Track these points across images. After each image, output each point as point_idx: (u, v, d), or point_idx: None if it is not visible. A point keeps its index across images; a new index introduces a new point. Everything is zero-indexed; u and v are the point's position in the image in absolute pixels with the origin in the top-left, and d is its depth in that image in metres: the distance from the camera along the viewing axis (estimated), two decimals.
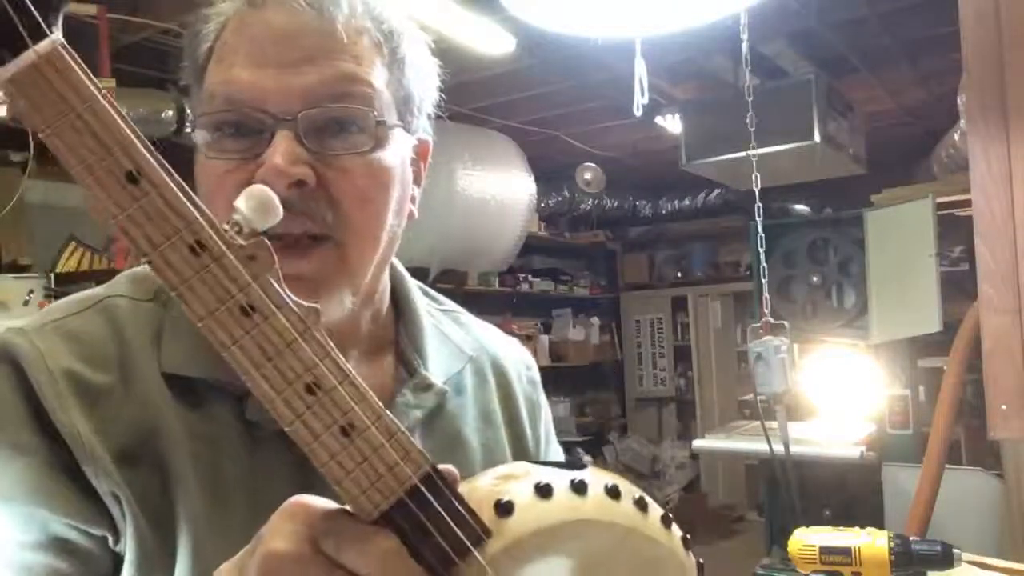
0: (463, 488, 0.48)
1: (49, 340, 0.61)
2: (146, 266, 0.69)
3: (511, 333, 0.94)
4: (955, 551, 1.23)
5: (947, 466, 2.45)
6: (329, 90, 0.61)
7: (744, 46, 2.29)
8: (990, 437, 1.53)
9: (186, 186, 0.44)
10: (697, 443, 3.42)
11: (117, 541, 0.59)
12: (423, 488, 0.45)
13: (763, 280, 2.33)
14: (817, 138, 3.34)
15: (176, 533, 0.60)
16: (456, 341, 0.81)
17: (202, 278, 0.43)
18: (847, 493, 3.31)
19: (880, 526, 1.36)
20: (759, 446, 3.11)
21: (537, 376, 0.90)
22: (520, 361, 0.89)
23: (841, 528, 1.31)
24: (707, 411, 6.88)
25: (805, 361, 3.64)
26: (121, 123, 0.42)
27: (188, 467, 0.61)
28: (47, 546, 0.57)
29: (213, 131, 0.63)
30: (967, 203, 1.68)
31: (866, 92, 4.17)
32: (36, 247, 3.72)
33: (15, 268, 3.49)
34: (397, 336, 0.77)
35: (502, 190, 4.72)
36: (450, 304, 0.88)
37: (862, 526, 1.31)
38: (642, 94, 1.80)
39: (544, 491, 0.48)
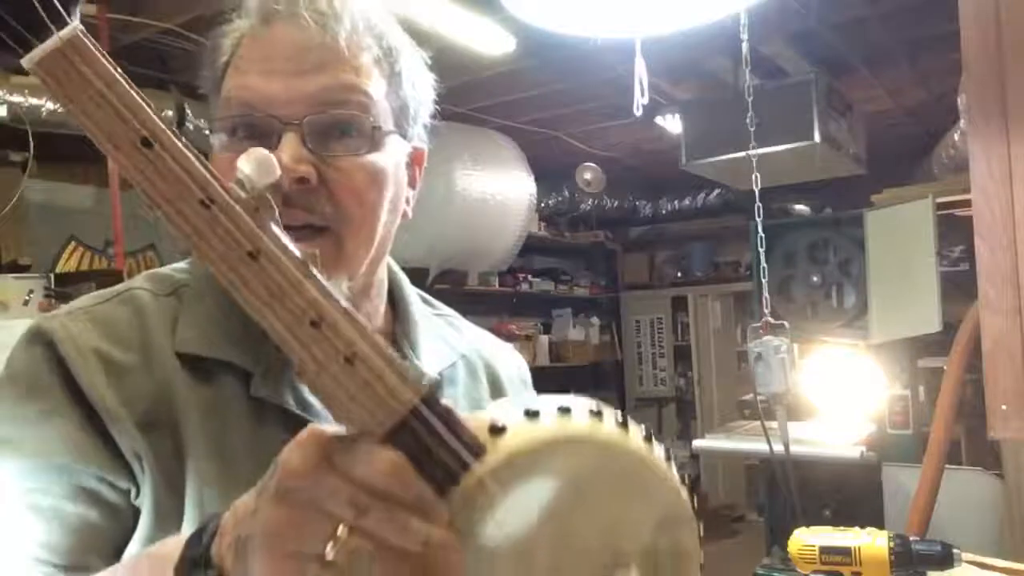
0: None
1: (79, 323, 0.69)
2: (164, 269, 0.78)
3: (511, 333, 0.98)
4: (955, 551, 1.23)
5: (947, 466, 2.45)
6: (331, 97, 0.69)
7: (744, 46, 2.29)
8: (990, 437, 1.53)
9: (195, 151, 0.48)
10: (697, 443, 3.42)
11: (137, 495, 0.67)
12: (423, 409, 0.48)
13: (763, 280, 2.32)
14: (817, 138, 3.35)
15: (185, 491, 0.67)
16: (450, 341, 0.87)
17: (213, 228, 0.47)
18: (847, 493, 3.30)
19: (880, 526, 1.36)
20: (759, 446, 3.11)
21: (528, 377, 0.96)
22: (512, 364, 0.94)
23: (841, 528, 1.31)
24: (707, 411, 6.88)
25: (805, 361, 3.64)
26: (136, 96, 0.47)
27: (199, 434, 0.68)
28: (79, 497, 0.64)
29: (229, 133, 0.71)
30: (967, 203, 1.68)
31: (866, 92, 4.17)
32: (36, 247, 3.72)
33: (15, 268, 3.49)
34: (393, 333, 0.82)
35: (502, 190, 4.72)
36: (446, 309, 0.93)
37: (862, 526, 1.31)
38: (642, 94, 1.80)
39: (533, 415, 0.52)
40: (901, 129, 4.93)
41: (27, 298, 3.22)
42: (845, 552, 1.26)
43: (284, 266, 0.48)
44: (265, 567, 0.46)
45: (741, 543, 5.78)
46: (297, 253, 0.48)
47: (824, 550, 1.28)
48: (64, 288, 3.33)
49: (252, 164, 0.50)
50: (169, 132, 0.47)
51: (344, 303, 0.48)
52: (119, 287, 0.75)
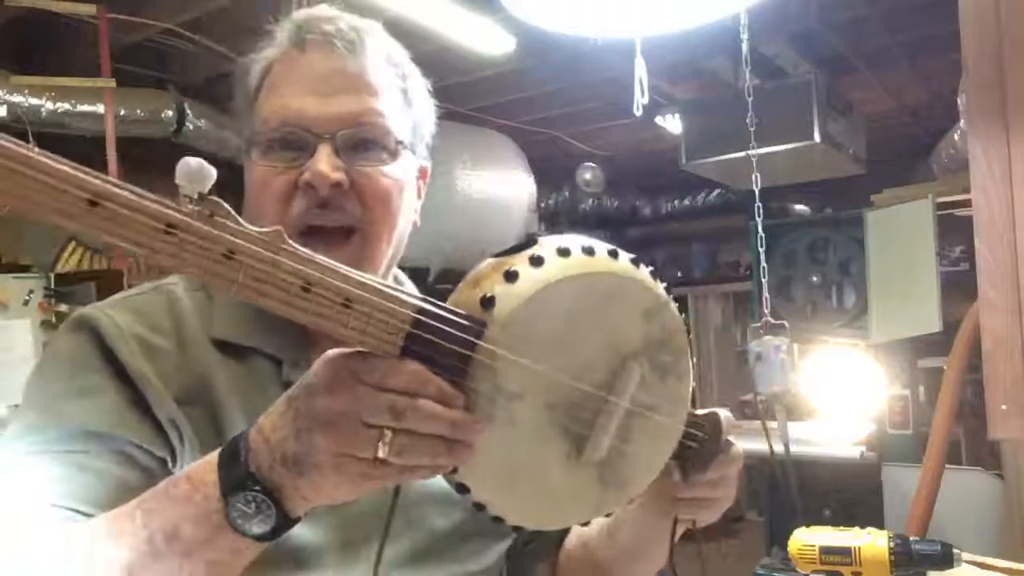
0: (450, 302, 0.60)
1: (119, 312, 0.78)
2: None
3: None
4: (955, 551, 1.23)
5: (947, 466, 2.45)
6: (359, 117, 0.80)
7: (744, 46, 2.29)
8: (990, 437, 1.54)
9: (135, 188, 0.50)
10: None
11: (174, 463, 0.74)
12: (422, 317, 0.56)
13: (763, 280, 2.33)
14: (817, 138, 3.35)
15: None
16: None
17: (183, 249, 0.51)
18: (847, 493, 3.31)
19: (880, 526, 1.36)
20: (759, 446, 3.11)
21: None
22: None
23: (841, 528, 1.31)
24: None
25: (805, 361, 3.64)
26: (63, 166, 0.48)
27: (236, 409, 0.76)
28: (119, 460, 0.71)
29: (267, 147, 0.80)
30: (967, 203, 1.68)
31: (866, 92, 4.17)
32: (36, 247, 3.72)
33: (15, 268, 3.49)
34: None
35: (502, 190, 4.71)
36: None
37: (862, 526, 1.31)
38: (642, 94, 1.80)
39: (511, 276, 0.60)
40: (901, 129, 4.93)
41: (27, 298, 3.22)
42: (845, 552, 1.26)
43: (257, 253, 0.52)
44: (331, 479, 0.56)
45: (741, 543, 5.78)
46: (261, 236, 0.53)
47: (824, 550, 1.28)
48: (64, 288, 3.33)
49: (187, 176, 0.53)
50: (110, 183, 0.50)
51: (320, 259, 0.54)
52: (155, 283, 0.85)
